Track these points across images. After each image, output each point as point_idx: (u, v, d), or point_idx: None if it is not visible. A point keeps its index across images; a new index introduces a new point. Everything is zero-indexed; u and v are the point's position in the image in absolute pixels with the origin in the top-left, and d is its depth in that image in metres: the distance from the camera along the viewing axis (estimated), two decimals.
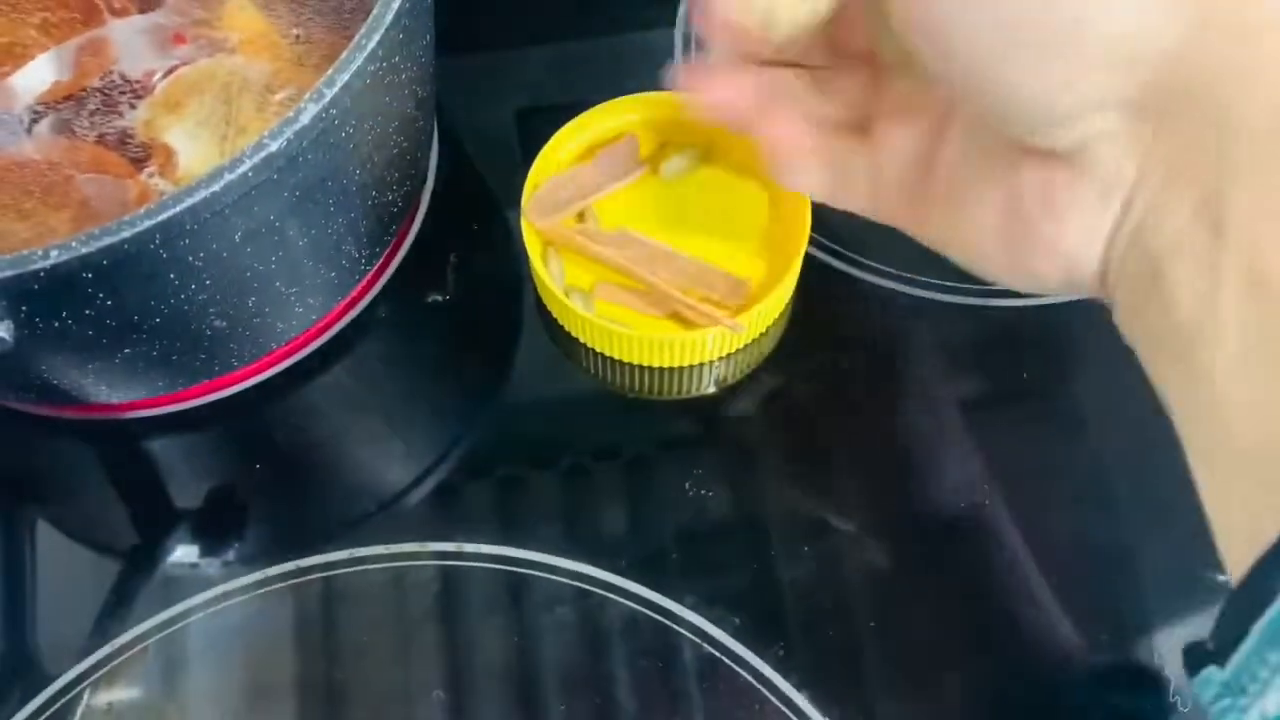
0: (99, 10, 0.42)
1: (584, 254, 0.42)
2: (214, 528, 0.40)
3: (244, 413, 0.41)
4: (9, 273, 0.28)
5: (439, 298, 0.43)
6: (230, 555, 0.39)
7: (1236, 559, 0.23)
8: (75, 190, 0.39)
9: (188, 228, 0.30)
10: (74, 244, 0.29)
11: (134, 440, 0.41)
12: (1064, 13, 0.24)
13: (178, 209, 0.29)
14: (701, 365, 0.41)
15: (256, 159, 0.29)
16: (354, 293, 0.42)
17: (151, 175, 0.39)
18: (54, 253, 0.28)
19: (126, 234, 0.29)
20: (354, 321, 0.42)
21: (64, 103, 0.41)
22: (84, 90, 0.41)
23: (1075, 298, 0.29)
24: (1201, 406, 0.25)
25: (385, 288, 0.43)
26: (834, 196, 0.33)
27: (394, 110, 0.35)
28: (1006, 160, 0.28)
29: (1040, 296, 0.42)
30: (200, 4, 0.42)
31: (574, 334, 0.42)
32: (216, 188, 0.29)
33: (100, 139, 0.40)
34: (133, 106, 0.40)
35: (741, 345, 0.41)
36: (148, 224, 0.29)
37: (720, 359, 0.41)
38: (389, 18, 0.31)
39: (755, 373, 0.42)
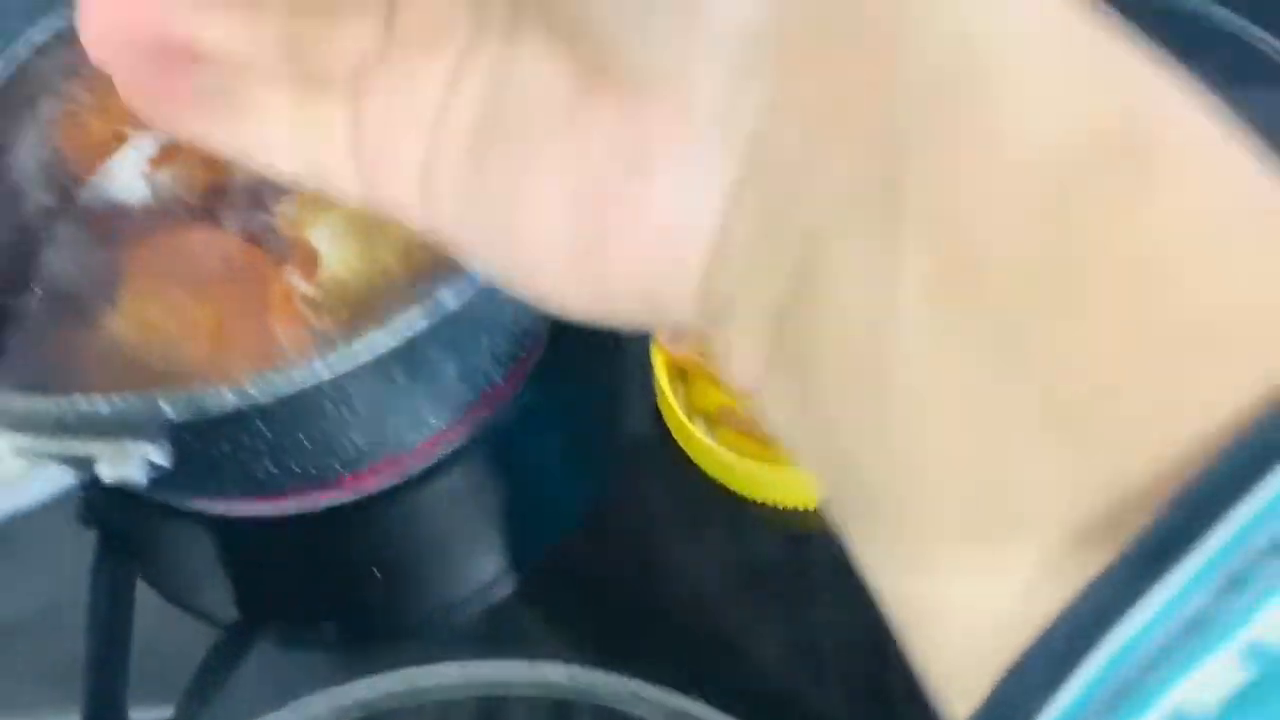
0: None
1: (710, 380, 0.42)
2: (311, 630, 0.40)
3: (359, 516, 0.41)
4: (187, 416, 0.28)
5: (563, 410, 0.43)
6: (321, 664, 0.39)
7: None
8: (219, 286, 0.39)
9: (357, 374, 0.30)
10: (250, 390, 0.29)
11: (248, 533, 0.41)
12: None
13: (356, 364, 0.29)
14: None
15: (436, 318, 0.29)
16: (482, 405, 0.42)
17: (293, 275, 0.39)
18: (230, 397, 0.29)
19: (303, 383, 0.29)
20: (478, 432, 0.42)
21: (211, 194, 0.41)
22: (229, 179, 0.41)
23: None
24: (884, 463, 0.18)
25: (513, 399, 0.43)
26: (301, 157, 0.22)
27: None
28: (568, 101, 0.20)
29: None
30: None
31: (695, 460, 0.41)
32: (395, 343, 0.29)
33: (244, 231, 0.40)
34: (279, 202, 0.40)
35: None
36: (327, 376, 0.29)
37: None
38: None
39: None
